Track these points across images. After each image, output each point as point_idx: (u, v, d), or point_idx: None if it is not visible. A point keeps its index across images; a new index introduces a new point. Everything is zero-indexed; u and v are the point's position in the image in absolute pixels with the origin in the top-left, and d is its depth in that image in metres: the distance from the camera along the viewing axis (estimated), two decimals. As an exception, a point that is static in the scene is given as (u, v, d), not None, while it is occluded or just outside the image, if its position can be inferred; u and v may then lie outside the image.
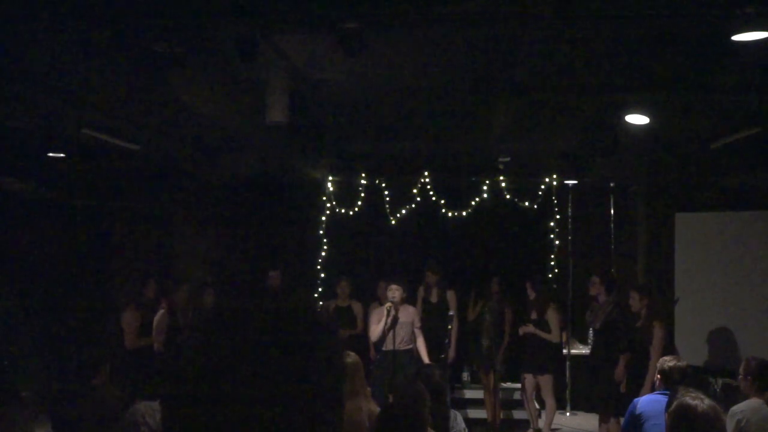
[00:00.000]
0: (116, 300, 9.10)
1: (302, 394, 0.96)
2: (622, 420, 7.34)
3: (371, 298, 8.80)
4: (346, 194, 9.97)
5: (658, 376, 5.03)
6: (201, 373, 0.97)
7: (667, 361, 5.09)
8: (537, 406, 8.66)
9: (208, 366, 0.97)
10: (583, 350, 9.44)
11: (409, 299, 8.08)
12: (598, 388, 7.62)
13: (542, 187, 9.87)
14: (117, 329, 7.96)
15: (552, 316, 8.24)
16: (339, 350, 1.05)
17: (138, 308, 7.81)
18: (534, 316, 8.30)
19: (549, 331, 8.21)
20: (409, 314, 7.49)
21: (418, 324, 7.61)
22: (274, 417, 0.94)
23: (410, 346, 7.49)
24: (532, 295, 8.37)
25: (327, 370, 1.00)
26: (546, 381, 8.24)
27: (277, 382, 0.95)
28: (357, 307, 8.75)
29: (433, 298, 8.59)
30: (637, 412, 4.81)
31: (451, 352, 8.27)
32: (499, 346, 8.51)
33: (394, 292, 7.34)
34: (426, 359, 7.51)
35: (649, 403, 4.81)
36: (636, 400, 5.03)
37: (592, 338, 8.08)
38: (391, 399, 3.89)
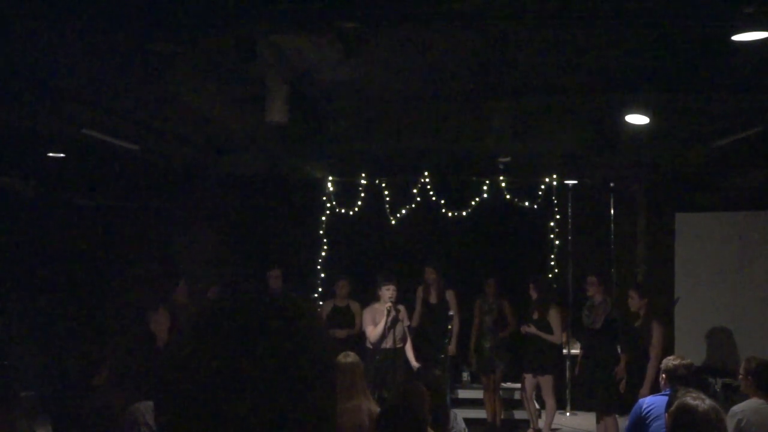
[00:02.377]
0: (145, 301, 9.06)
1: (293, 392, 0.96)
2: (618, 418, 7.37)
3: (371, 298, 8.78)
4: (346, 194, 9.96)
5: (663, 375, 5.02)
6: (191, 372, 0.97)
7: (671, 360, 5.08)
8: (537, 406, 8.66)
9: (198, 366, 0.97)
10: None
11: (408, 299, 8.13)
12: (598, 387, 7.62)
13: (542, 187, 9.87)
14: (146, 331, 7.91)
15: (554, 317, 8.23)
16: (328, 346, 1.05)
17: (168, 310, 7.79)
18: (536, 316, 8.29)
19: (551, 332, 8.20)
20: (402, 312, 7.72)
21: (407, 323, 7.73)
22: (266, 415, 0.95)
23: (402, 345, 7.66)
24: (534, 295, 8.36)
25: (316, 368, 1.00)
26: (546, 381, 8.23)
27: (267, 381, 0.95)
28: (355, 307, 8.66)
29: (433, 299, 8.58)
30: (644, 412, 4.79)
31: (452, 348, 8.29)
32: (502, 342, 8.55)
33: (393, 291, 7.42)
34: (413, 361, 7.59)
35: (656, 403, 4.79)
36: (641, 400, 5.01)
37: (585, 337, 8.07)
38: (388, 396, 3.89)
